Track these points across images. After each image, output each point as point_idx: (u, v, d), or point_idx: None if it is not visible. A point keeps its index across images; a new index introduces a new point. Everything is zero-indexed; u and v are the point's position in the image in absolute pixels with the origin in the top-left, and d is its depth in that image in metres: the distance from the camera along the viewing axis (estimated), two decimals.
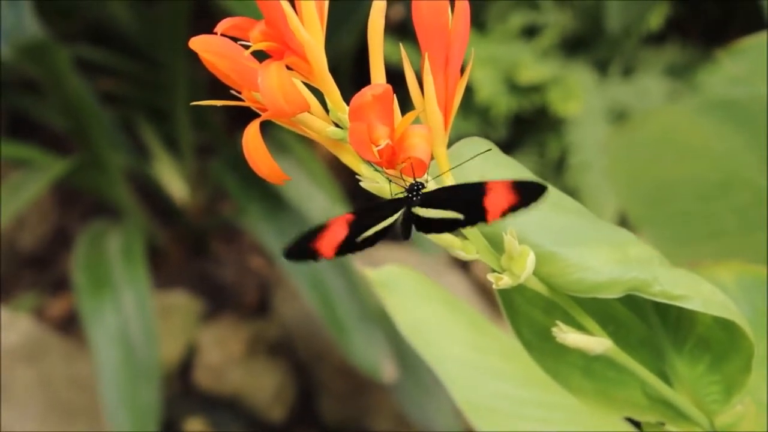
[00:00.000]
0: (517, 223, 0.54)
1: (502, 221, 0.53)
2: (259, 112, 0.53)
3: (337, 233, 0.54)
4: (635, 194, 1.25)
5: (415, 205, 0.54)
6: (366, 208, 0.55)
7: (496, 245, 0.56)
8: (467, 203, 0.53)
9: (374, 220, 0.55)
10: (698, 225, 1.19)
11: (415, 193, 0.54)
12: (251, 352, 1.98)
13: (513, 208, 0.52)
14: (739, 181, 1.16)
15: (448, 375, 0.86)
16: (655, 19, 2.06)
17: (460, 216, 0.53)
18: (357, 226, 0.55)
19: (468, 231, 0.56)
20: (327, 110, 0.54)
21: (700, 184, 1.19)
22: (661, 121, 1.27)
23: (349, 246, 0.55)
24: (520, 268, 0.55)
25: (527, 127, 2.09)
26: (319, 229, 0.54)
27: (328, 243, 0.54)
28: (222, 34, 0.53)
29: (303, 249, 0.54)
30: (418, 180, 0.53)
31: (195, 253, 2.16)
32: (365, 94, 0.50)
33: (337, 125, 0.54)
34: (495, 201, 0.52)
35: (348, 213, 0.54)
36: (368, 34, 0.54)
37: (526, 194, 0.52)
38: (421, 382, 1.72)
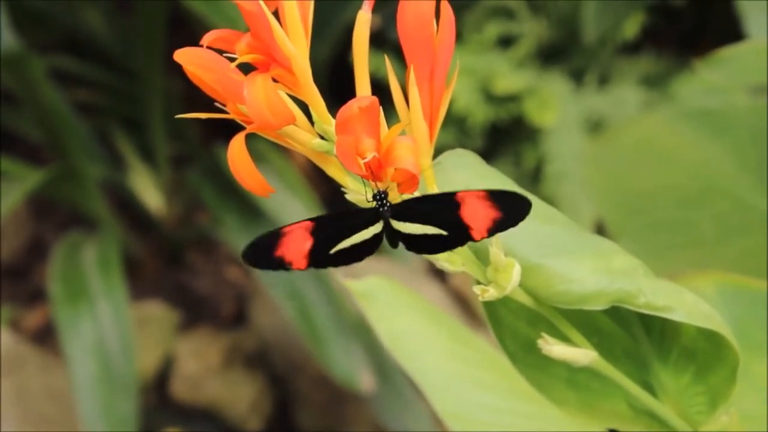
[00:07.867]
0: (503, 235, 0.54)
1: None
2: (245, 125, 0.52)
3: (300, 241, 0.53)
4: (612, 204, 1.25)
5: (387, 217, 0.54)
6: (327, 216, 0.54)
7: (482, 257, 0.56)
8: (444, 217, 0.53)
9: (341, 230, 0.54)
10: (676, 234, 1.19)
11: (381, 202, 0.53)
12: (228, 363, 1.97)
13: (499, 225, 0.52)
14: (717, 190, 1.17)
15: (430, 386, 0.85)
16: (631, 28, 2.07)
17: (442, 232, 0.53)
18: (322, 236, 0.54)
19: None
20: (312, 122, 0.54)
21: (678, 193, 1.19)
22: (638, 131, 1.27)
23: (323, 257, 0.54)
24: (506, 280, 0.55)
25: (504, 137, 2.09)
26: (277, 236, 0.53)
27: (294, 251, 0.53)
28: (207, 47, 0.52)
29: (265, 256, 0.53)
30: (380, 188, 0.53)
31: (171, 264, 2.15)
32: (352, 106, 0.49)
33: (322, 137, 0.54)
34: (475, 215, 0.52)
35: (306, 220, 0.53)
36: (353, 46, 0.54)
37: (509, 209, 0.52)
38: (399, 392, 1.72)
